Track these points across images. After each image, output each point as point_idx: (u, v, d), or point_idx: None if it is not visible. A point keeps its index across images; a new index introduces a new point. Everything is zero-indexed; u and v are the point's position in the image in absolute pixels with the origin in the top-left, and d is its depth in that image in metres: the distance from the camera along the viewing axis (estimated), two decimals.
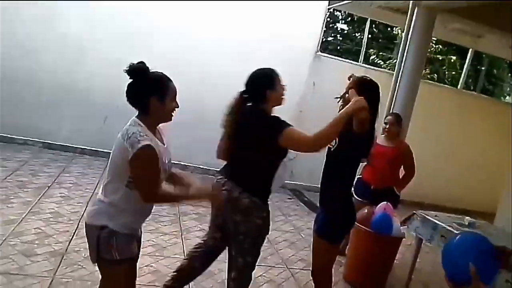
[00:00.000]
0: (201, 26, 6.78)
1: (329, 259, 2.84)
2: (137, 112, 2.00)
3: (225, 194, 2.38)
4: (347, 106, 2.35)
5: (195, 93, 6.69)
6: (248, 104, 2.51)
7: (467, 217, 3.86)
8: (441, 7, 5.06)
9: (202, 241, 2.72)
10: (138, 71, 1.90)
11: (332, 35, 14.37)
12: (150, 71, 1.94)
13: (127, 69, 1.88)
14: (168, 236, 4.22)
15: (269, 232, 2.55)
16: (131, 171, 1.88)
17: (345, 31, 14.81)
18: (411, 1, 5.19)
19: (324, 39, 8.11)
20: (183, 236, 4.31)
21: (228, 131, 2.50)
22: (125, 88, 1.94)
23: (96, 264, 2.00)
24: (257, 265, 2.60)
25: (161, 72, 1.99)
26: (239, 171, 2.47)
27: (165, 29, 6.70)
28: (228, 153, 2.56)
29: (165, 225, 4.50)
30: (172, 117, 2.03)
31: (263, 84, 2.47)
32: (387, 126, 4.15)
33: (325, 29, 7.69)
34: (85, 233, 2.02)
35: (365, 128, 2.49)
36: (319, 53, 7.46)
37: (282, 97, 2.53)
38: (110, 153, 2.01)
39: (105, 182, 2.00)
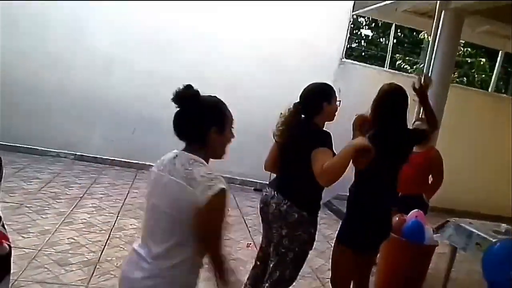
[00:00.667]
0: (225, 34, 6.87)
1: (345, 266, 2.70)
2: (185, 145, 1.63)
3: (273, 207, 2.39)
4: (353, 142, 2.31)
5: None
6: (302, 116, 2.49)
7: (503, 224, 3.73)
8: (469, 9, 4.95)
9: (258, 262, 2.67)
10: (189, 98, 1.57)
11: (357, 41, 14.27)
12: (201, 95, 1.60)
13: (174, 97, 1.55)
14: None
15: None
16: (199, 220, 1.49)
17: (370, 37, 14.69)
18: (437, 5, 5.10)
19: (348, 46, 8.07)
20: None
21: (280, 142, 2.49)
22: (173, 119, 1.60)
23: None
24: None
25: (214, 96, 1.66)
26: (287, 184, 2.44)
27: (191, 39, 6.80)
28: (277, 165, 2.55)
29: None
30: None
31: (321, 97, 2.46)
32: None
33: (349, 35, 7.64)
34: None
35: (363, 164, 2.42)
36: (344, 59, 7.42)
37: (336, 113, 2.52)
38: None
39: (166, 246, 1.54)
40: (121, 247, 3.86)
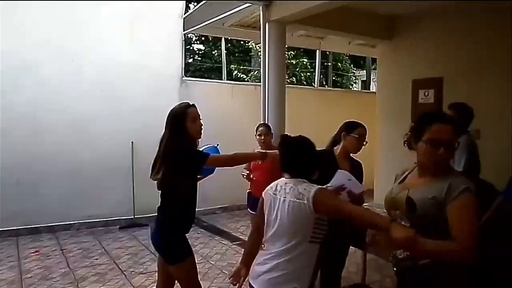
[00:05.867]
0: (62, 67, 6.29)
1: None
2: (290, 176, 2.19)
3: None
4: None
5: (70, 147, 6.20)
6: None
7: None
8: (288, 20, 5.48)
9: None
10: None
11: (191, 56, 14.54)
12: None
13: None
14: None
15: None
16: (325, 207, 1.96)
17: (202, 51, 15.12)
18: (260, 18, 5.52)
19: (184, 62, 8.13)
20: None
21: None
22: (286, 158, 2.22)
23: None
24: None
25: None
26: None
27: None
28: None
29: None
30: None
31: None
32: (262, 137, 4.29)
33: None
34: None
35: None
36: (185, 78, 7.47)
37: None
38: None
39: (284, 245, 2.02)
40: None
